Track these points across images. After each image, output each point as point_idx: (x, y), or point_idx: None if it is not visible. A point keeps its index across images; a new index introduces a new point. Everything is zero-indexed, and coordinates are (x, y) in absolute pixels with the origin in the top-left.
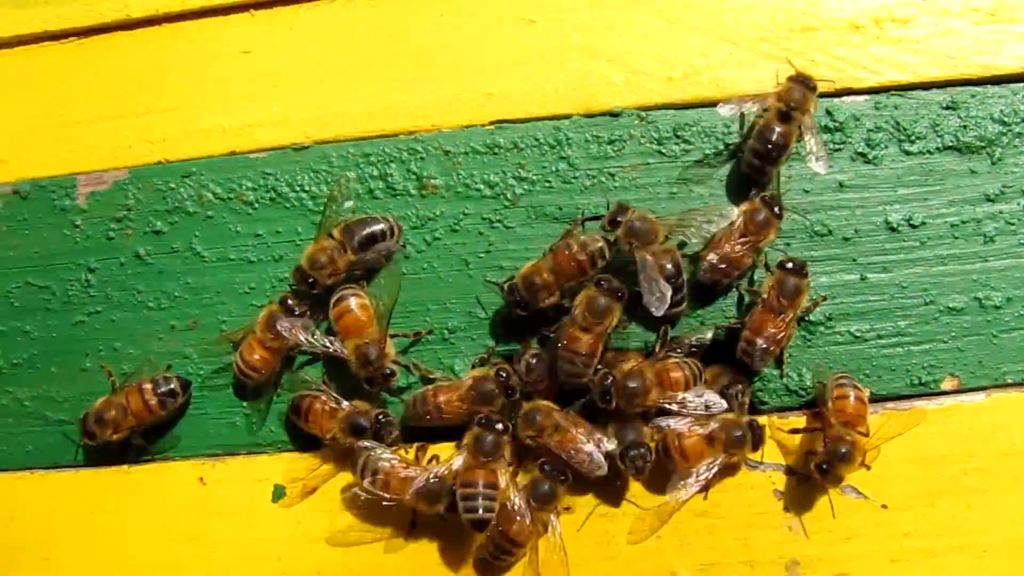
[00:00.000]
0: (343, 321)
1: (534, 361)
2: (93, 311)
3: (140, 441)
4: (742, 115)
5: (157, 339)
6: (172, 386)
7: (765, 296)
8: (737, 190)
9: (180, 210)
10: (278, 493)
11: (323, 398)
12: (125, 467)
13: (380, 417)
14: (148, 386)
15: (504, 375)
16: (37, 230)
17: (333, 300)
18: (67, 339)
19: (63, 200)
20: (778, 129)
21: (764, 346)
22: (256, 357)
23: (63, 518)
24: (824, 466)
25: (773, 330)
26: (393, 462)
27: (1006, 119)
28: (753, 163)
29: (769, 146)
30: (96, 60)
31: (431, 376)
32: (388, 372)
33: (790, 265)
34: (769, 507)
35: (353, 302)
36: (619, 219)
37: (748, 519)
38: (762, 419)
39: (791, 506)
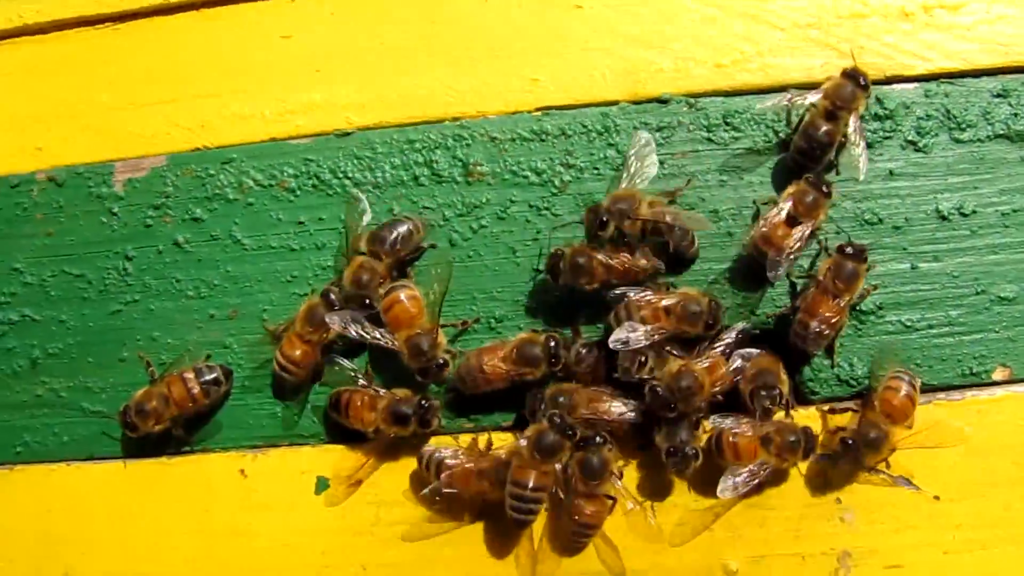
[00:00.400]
0: (392, 312)
1: (584, 351)
2: (131, 300)
3: (180, 432)
4: (788, 108)
5: (196, 328)
6: (216, 374)
7: (821, 278)
8: (786, 178)
9: (220, 197)
10: (321, 485)
11: (361, 390)
12: (164, 459)
13: (422, 402)
14: (191, 375)
15: (554, 343)
16: (73, 218)
17: (382, 292)
18: (104, 329)
19: (100, 187)
20: (824, 128)
21: (818, 328)
22: (297, 352)
23: (101, 510)
24: (850, 441)
25: (828, 313)
26: (459, 456)
27: None
28: (797, 160)
29: (813, 144)
30: (133, 45)
31: None
32: (441, 362)
33: (849, 249)
34: (821, 499)
35: (403, 294)
36: (604, 218)
37: (799, 511)
38: (813, 408)
39: (843, 497)
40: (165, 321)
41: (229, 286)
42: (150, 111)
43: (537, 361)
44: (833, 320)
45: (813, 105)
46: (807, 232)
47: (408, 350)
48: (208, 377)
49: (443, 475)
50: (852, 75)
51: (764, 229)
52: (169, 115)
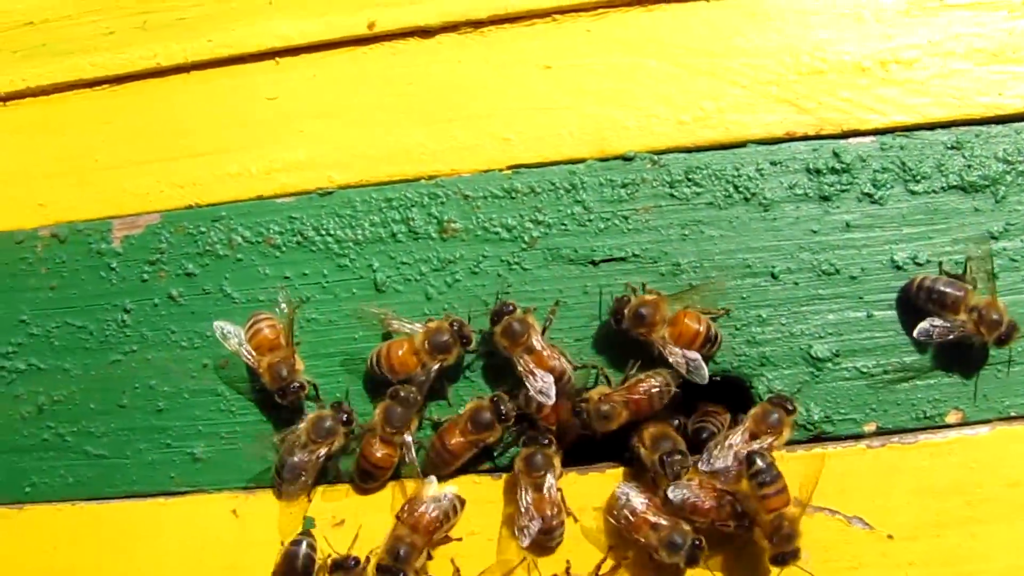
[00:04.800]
0: (256, 340)
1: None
2: (129, 350)
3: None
4: None
5: (190, 377)
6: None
7: None
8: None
9: (211, 253)
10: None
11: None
12: (162, 500)
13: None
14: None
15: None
16: (75, 272)
17: (248, 325)
18: (105, 377)
19: (99, 243)
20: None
21: None
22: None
23: (103, 548)
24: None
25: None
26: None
27: (1009, 158)
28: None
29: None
30: (128, 107)
31: None
32: (297, 385)
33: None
34: None
35: (264, 324)
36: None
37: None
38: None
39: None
40: (161, 370)
41: None
42: (145, 170)
43: (492, 424)
44: None
45: None
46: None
47: (269, 374)
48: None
49: None
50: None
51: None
52: (163, 174)
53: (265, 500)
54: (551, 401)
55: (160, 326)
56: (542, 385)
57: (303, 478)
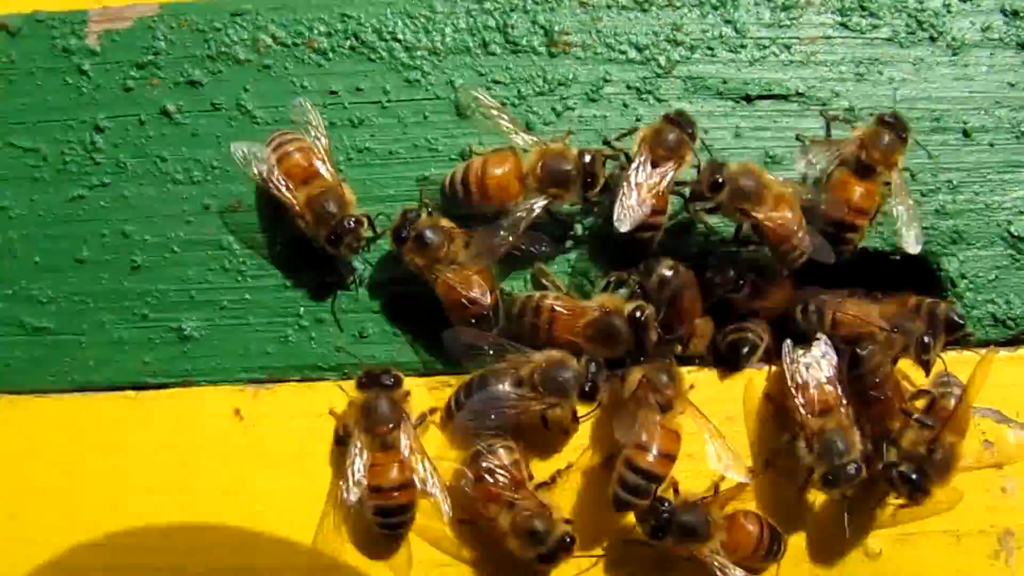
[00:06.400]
0: (284, 167)
1: (669, 273)
2: (98, 183)
3: None
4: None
5: (185, 223)
6: None
7: None
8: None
9: (227, 56)
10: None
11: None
12: (131, 394)
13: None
14: None
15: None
16: (29, 76)
17: (270, 148)
18: (59, 219)
19: (67, 39)
20: (858, 190)
21: None
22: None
23: (48, 458)
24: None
25: None
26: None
27: None
28: (828, 231)
29: (844, 215)
30: None
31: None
32: (354, 221)
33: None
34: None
35: (293, 147)
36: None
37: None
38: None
39: (1006, 460)
40: (143, 212)
41: (232, 170)
42: None
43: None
44: None
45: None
46: None
47: (312, 212)
48: None
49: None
50: (887, 121)
51: None
52: None
53: (281, 397)
54: (626, 226)
55: (146, 151)
56: (635, 200)
57: (491, 419)
